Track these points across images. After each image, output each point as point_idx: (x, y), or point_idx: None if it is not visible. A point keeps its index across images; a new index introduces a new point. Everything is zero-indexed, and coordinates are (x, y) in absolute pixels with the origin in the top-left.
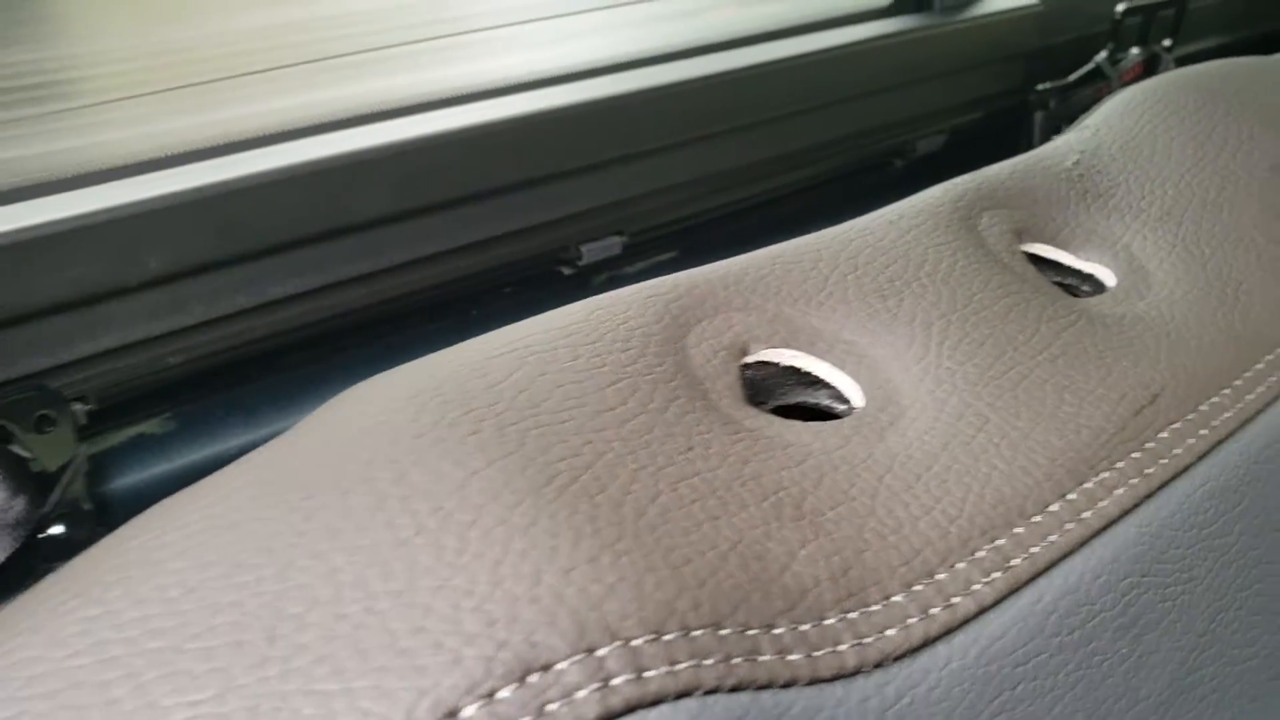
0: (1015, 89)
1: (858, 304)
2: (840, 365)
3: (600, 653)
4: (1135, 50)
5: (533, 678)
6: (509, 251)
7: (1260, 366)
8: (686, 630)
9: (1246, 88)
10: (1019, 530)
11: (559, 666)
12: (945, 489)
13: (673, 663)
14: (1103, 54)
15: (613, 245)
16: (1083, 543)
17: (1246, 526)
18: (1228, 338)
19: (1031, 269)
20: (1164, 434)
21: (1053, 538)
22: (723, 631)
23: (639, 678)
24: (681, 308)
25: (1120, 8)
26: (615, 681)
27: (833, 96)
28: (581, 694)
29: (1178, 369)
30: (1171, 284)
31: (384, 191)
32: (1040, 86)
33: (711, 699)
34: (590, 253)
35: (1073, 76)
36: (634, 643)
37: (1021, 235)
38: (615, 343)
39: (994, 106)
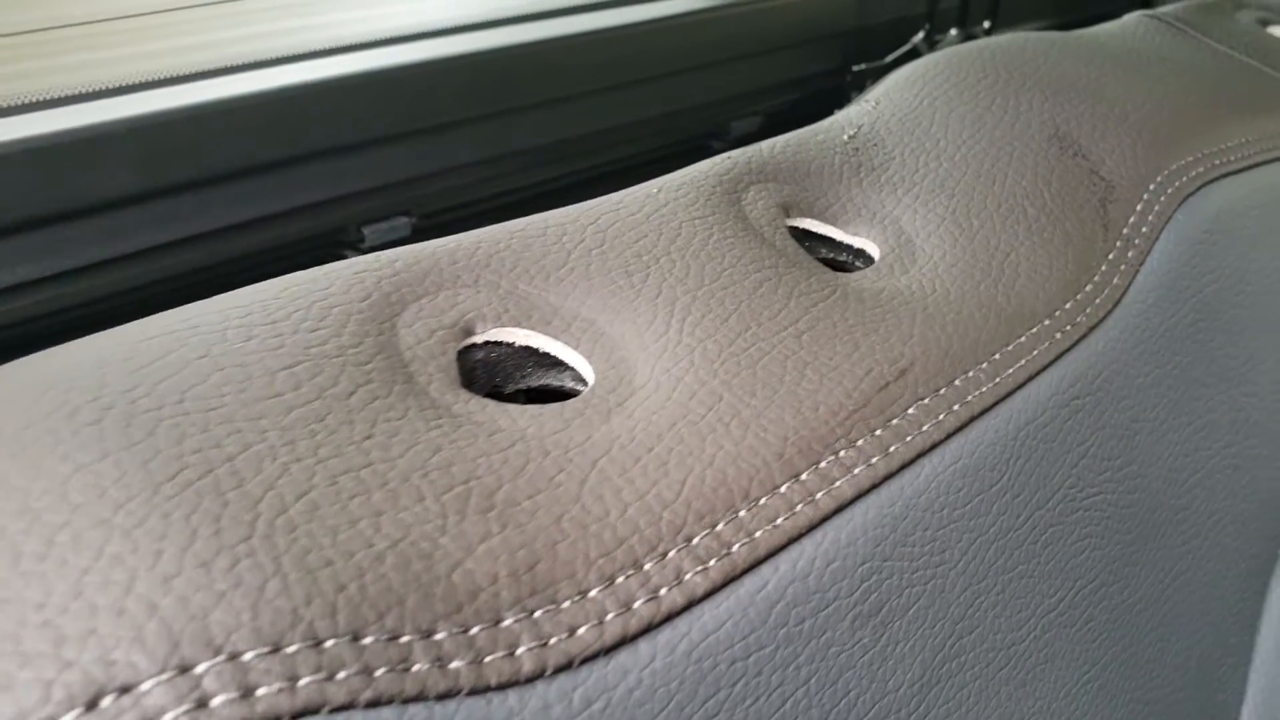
0: (832, 70)
1: (600, 280)
2: (575, 344)
3: (197, 670)
4: (953, 32)
5: (105, 701)
6: (279, 234)
7: (1022, 339)
8: (315, 640)
9: (1030, 60)
10: (741, 514)
11: (141, 688)
12: (664, 472)
13: (292, 678)
14: (919, 35)
15: (400, 226)
16: (813, 526)
17: (1005, 505)
18: (989, 311)
19: (793, 244)
20: (912, 410)
21: (780, 521)
22: (364, 640)
23: (245, 697)
24: (397, 284)
25: None
26: (214, 703)
27: (640, 74)
28: (168, 718)
29: (931, 343)
30: (937, 257)
31: (125, 169)
32: (857, 67)
33: (342, 716)
34: (374, 234)
35: (890, 57)
36: (242, 657)
37: (789, 210)
38: (304, 323)
39: (811, 88)
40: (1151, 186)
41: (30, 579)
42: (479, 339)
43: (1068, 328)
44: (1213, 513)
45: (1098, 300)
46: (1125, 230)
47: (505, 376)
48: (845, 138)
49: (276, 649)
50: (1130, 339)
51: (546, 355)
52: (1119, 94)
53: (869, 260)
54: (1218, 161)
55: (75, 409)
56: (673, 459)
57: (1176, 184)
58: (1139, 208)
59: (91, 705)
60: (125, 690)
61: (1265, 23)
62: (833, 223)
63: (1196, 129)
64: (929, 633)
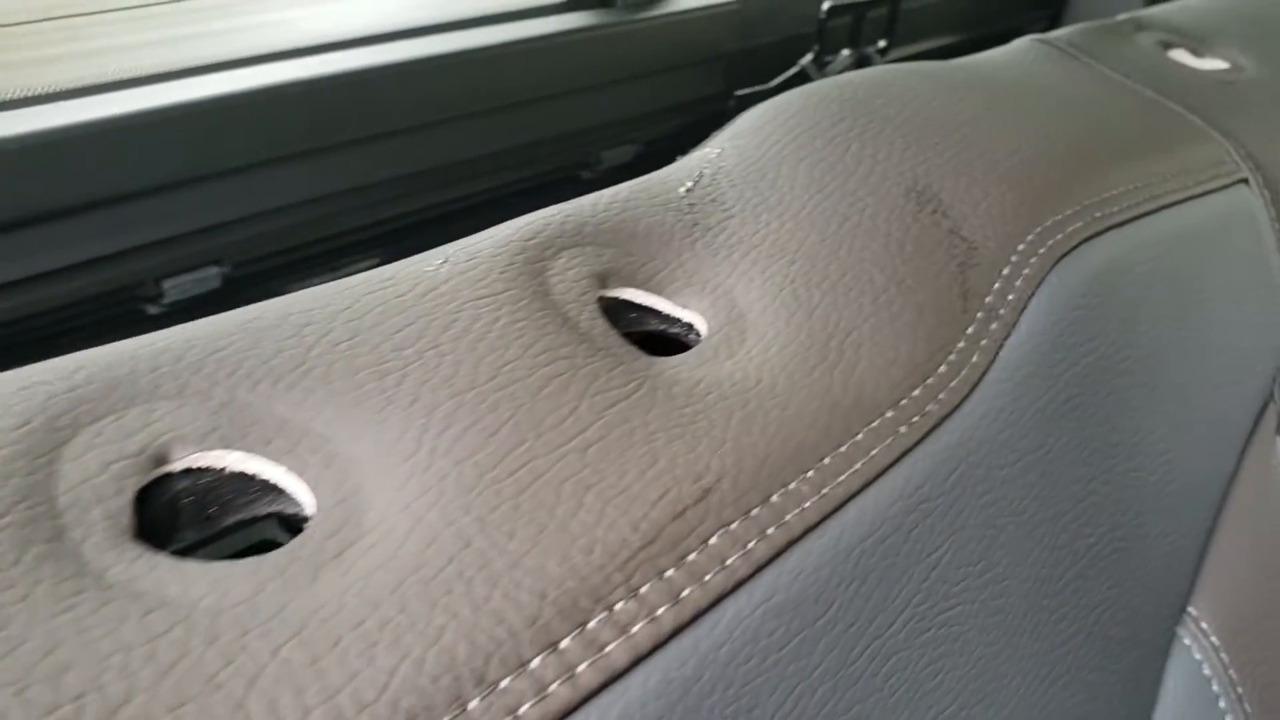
0: (714, 95)
1: (343, 383)
2: (300, 469)
3: None
4: (845, 53)
5: None
6: (64, 291)
7: (859, 437)
8: None
9: (896, 99)
10: (472, 706)
11: None
12: (370, 658)
13: None
14: (808, 57)
15: (209, 278)
16: (571, 710)
17: (836, 640)
18: (821, 405)
19: (603, 324)
20: (715, 539)
21: (525, 710)
22: None
23: None
24: (73, 402)
25: (825, 7)
26: None
27: (497, 101)
28: None
29: (746, 450)
30: (770, 336)
31: None
32: (740, 92)
33: None
34: (176, 289)
35: (776, 81)
36: None
37: (608, 279)
38: None
39: (691, 114)
40: (1021, 246)
41: None
42: (176, 466)
43: (916, 419)
44: (1095, 605)
45: (953, 383)
46: (988, 299)
47: (223, 509)
48: (683, 191)
49: None
50: (993, 425)
51: (266, 483)
52: (992, 137)
53: (697, 337)
54: (1100, 213)
55: None
56: (385, 637)
57: (1050, 242)
58: (1005, 272)
59: None
60: None
61: (1167, 45)
62: (659, 292)
63: (1079, 175)
64: None
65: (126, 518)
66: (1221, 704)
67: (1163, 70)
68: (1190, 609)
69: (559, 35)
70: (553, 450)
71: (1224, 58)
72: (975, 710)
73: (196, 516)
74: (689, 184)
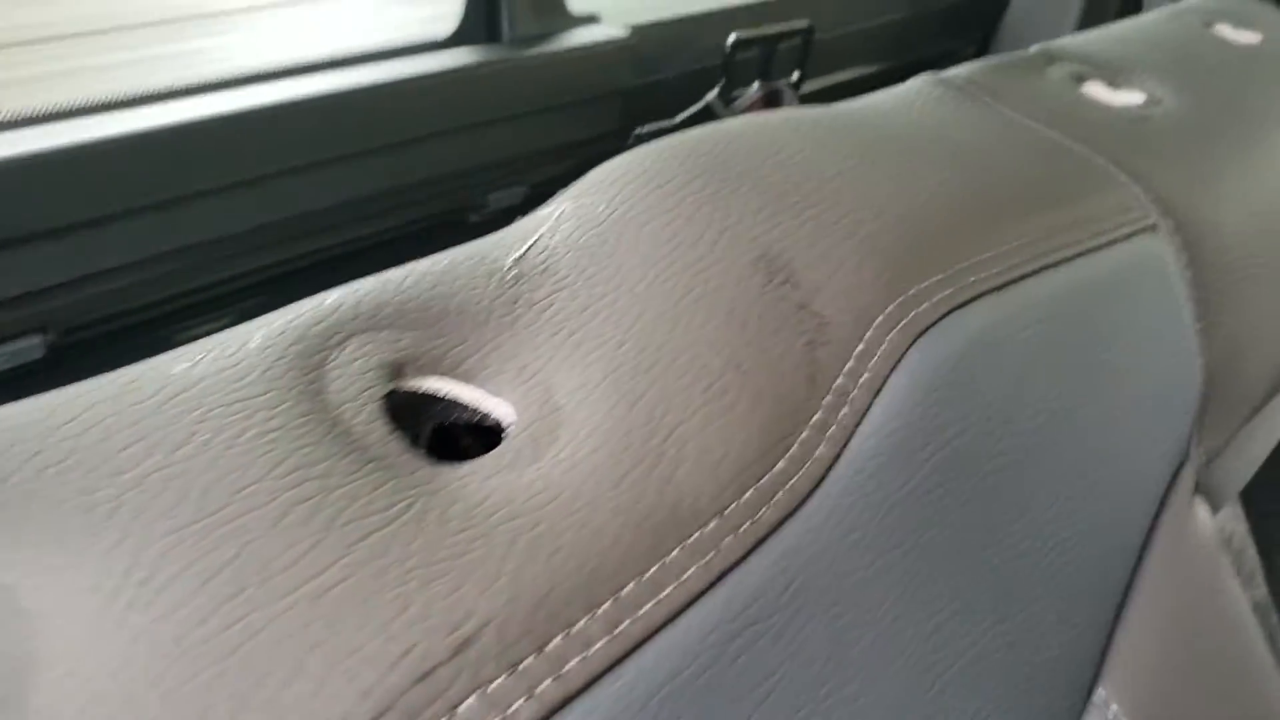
0: (612, 132)
1: (45, 519)
2: None
3: None
4: (754, 86)
5: None
6: None
7: (671, 558)
8: None
9: (757, 153)
10: None
11: None
12: None
13: None
14: (714, 92)
15: (29, 349)
16: None
17: None
18: (629, 519)
19: (382, 427)
20: (468, 703)
21: None
22: None
23: None
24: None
25: (730, 40)
26: None
27: (373, 142)
28: None
29: (525, 587)
30: (584, 434)
31: None
32: (640, 129)
33: None
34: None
35: (679, 117)
36: None
37: (404, 369)
38: None
39: (588, 153)
40: (879, 319)
41: None
42: None
43: (745, 526)
44: (981, 711)
45: (793, 481)
46: (838, 381)
47: None
48: (510, 261)
49: None
50: (840, 526)
51: None
52: (859, 195)
53: (504, 434)
54: (976, 277)
55: None
56: None
57: (913, 313)
58: (859, 349)
59: None
60: None
61: (1081, 78)
62: (469, 379)
63: (958, 234)
64: None
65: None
66: None
67: (1071, 108)
68: (1100, 690)
69: (441, 73)
70: (278, 599)
71: (1141, 89)
72: None
73: None
74: (519, 251)
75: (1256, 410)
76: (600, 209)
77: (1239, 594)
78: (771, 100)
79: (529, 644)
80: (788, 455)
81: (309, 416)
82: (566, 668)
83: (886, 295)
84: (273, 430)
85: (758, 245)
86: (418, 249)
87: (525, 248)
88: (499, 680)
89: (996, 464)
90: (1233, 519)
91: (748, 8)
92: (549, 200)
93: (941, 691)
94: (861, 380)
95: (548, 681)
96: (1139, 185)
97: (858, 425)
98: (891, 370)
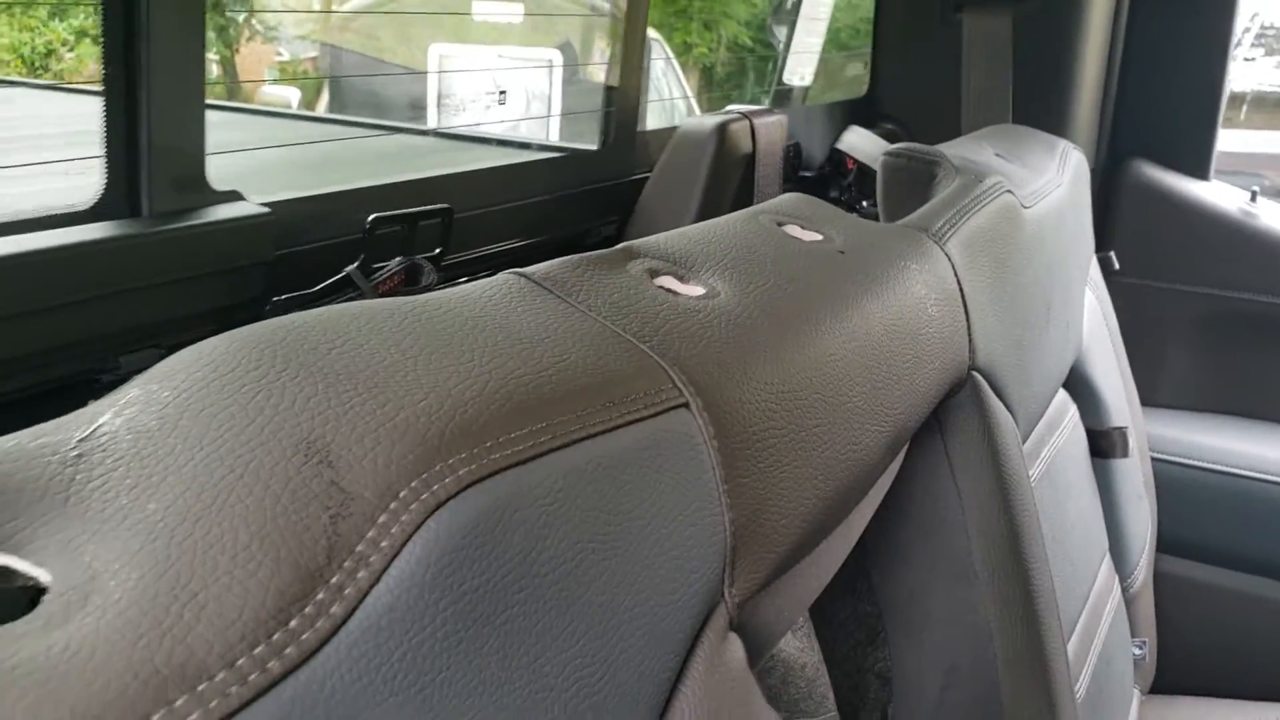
0: (252, 299)
1: None
2: None
3: None
4: (395, 260)
5: None
6: None
7: (180, 702)
8: None
9: (323, 343)
10: None
11: None
12: None
13: None
14: (354, 264)
15: None
16: None
17: None
18: (138, 676)
19: None
20: None
21: None
22: None
23: None
24: None
25: (370, 220)
26: None
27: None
28: None
29: None
30: (111, 601)
31: None
32: (276, 299)
33: None
34: None
35: (318, 287)
36: None
37: None
38: None
39: (229, 319)
40: (403, 493)
41: None
42: None
43: (253, 676)
44: None
45: (305, 636)
46: (359, 548)
47: None
48: (74, 440)
49: None
50: (351, 671)
51: None
52: (405, 382)
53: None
54: (499, 454)
55: None
56: None
57: (435, 487)
58: (381, 519)
59: None
60: None
61: (655, 273)
62: (15, 551)
63: (492, 416)
64: None
65: None
66: None
67: (635, 302)
68: None
69: (76, 247)
70: None
71: (704, 284)
72: None
73: None
74: (84, 432)
75: (792, 554)
76: (165, 395)
77: (771, 714)
78: (412, 274)
79: None
80: (302, 614)
81: None
82: None
83: (412, 472)
84: None
85: (301, 430)
86: (48, 411)
87: (90, 429)
88: None
89: (513, 614)
90: (807, 651)
91: (396, 185)
92: (126, 384)
93: None
94: (381, 546)
95: None
96: (676, 369)
97: (373, 586)
98: (409, 538)
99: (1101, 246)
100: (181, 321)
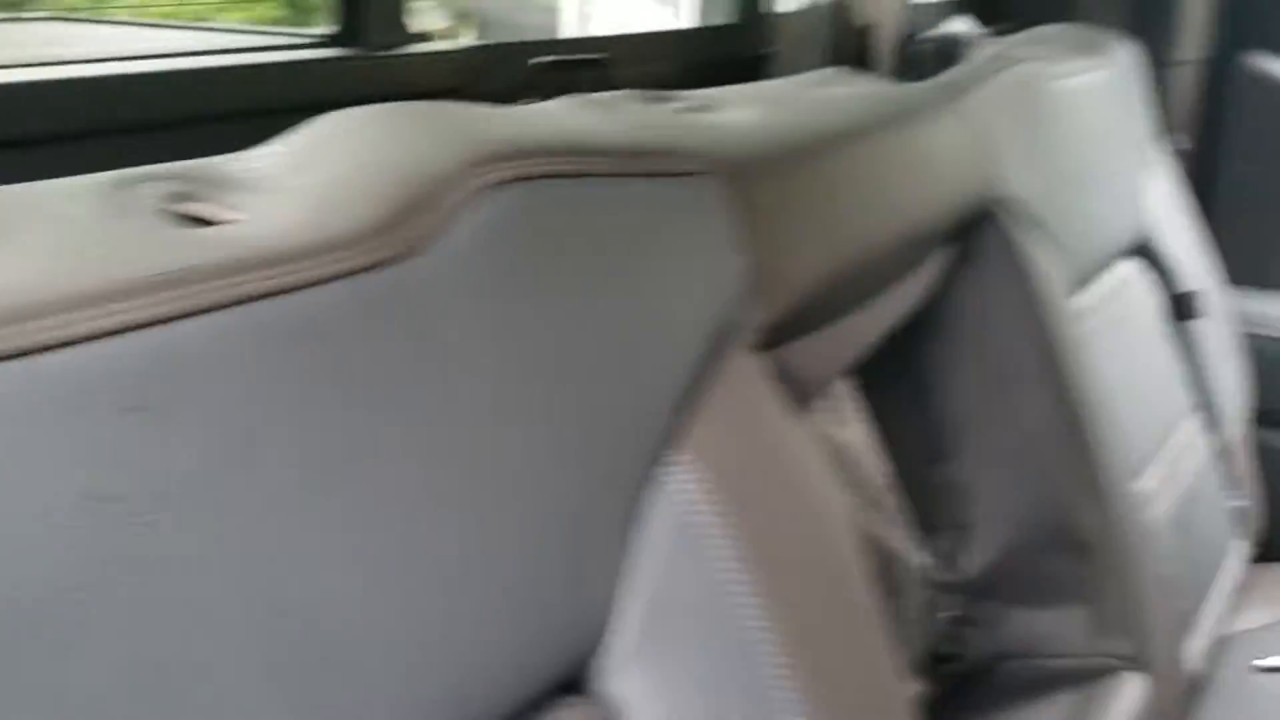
0: None
1: None
2: None
3: None
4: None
5: None
6: None
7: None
8: None
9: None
10: None
11: None
12: None
13: None
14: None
15: None
16: None
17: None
18: None
19: None
20: None
21: None
22: None
23: None
24: None
25: (532, 61)
26: None
27: None
28: None
29: None
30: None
31: None
32: None
33: None
34: None
35: None
36: None
37: None
38: None
39: None
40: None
41: None
42: None
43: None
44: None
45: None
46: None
47: None
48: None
49: None
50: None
51: None
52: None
53: None
54: (544, 168)
55: None
56: None
57: (493, 176)
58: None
59: None
60: None
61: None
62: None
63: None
64: None
65: None
66: (710, 545)
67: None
68: (669, 451)
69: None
70: None
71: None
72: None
73: None
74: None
75: (822, 305)
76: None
77: (787, 418)
78: None
79: None
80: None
81: None
82: None
83: (485, 162)
84: None
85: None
86: None
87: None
88: None
89: (552, 282)
90: (865, 451)
91: (559, 42)
92: None
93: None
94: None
95: None
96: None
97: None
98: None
99: (1211, 143)
100: None
